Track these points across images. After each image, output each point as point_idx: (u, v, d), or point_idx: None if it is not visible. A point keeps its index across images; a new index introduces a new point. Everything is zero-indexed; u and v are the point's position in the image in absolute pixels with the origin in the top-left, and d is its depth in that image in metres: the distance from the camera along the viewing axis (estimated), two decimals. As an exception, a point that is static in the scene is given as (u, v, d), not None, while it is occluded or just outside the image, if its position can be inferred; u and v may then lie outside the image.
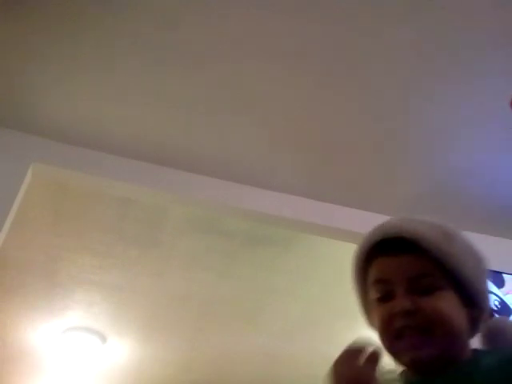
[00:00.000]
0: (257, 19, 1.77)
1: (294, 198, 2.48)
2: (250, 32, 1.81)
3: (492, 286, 2.38)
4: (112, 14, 1.77)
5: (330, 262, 2.78)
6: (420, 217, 0.84)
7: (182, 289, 3.09)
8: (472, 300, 0.78)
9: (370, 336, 0.81)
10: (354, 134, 2.21)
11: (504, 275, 2.45)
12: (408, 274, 0.76)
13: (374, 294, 0.80)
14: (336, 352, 0.78)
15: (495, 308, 2.29)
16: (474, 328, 0.80)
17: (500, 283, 2.41)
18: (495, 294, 2.35)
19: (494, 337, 0.82)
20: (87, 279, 2.98)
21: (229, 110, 2.12)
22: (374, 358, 0.72)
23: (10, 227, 2.08)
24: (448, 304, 0.75)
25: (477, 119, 2.11)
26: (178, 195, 2.35)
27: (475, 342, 0.82)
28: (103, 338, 3.49)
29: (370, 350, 0.72)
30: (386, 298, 0.77)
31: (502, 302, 2.34)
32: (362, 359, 0.71)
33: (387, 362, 0.82)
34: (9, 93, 2.05)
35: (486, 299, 0.81)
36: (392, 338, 0.75)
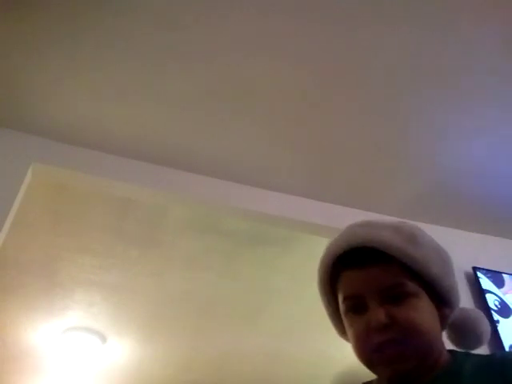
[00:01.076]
0: (257, 19, 1.77)
1: (294, 198, 2.48)
2: (250, 32, 1.81)
3: (492, 286, 2.38)
4: (112, 14, 1.77)
5: (329, 262, 2.77)
6: (381, 220, 0.84)
7: (182, 289, 3.09)
8: (443, 298, 0.78)
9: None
10: (355, 134, 2.21)
11: (504, 275, 2.45)
12: (378, 286, 0.75)
13: (345, 309, 0.79)
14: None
15: (495, 308, 2.30)
16: (444, 324, 0.80)
17: (500, 283, 2.41)
18: (495, 294, 2.35)
19: (458, 327, 0.82)
20: (87, 279, 2.98)
21: (229, 110, 2.12)
22: None
23: (9, 227, 2.07)
24: (422, 311, 0.74)
25: (477, 119, 2.11)
26: (178, 195, 2.35)
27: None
28: (103, 338, 3.49)
29: None
30: (358, 311, 0.76)
31: (502, 302, 2.34)
32: None
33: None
34: (9, 93, 2.04)
35: (456, 295, 0.81)
36: (370, 351, 0.74)
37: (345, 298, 0.79)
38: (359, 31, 1.80)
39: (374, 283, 0.75)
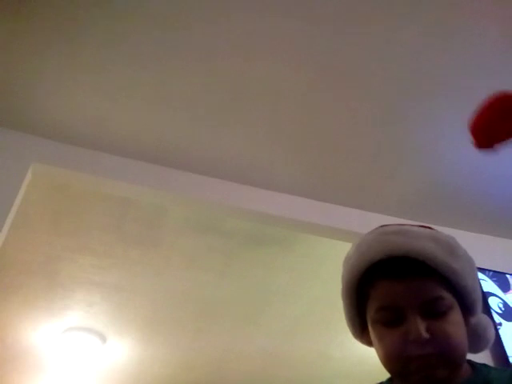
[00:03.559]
0: (257, 19, 1.77)
1: (294, 198, 2.48)
2: (249, 32, 1.81)
3: (496, 289, 2.37)
4: (112, 14, 1.76)
5: (330, 262, 2.78)
6: (415, 228, 0.82)
7: (181, 289, 3.09)
8: (470, 307, 0.79)
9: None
10: (354, 134, 2.21)
11: (508, 276, 2.45)
12: (420, 299, 0.74)
13: (378, 319, 0.77)
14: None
15: (499, 311, 2.29)
16: None
17: (506, 287, 2.40)
18: (498, 297, 2.35)
19: (468, 333, 0.82)
20: (87, 279, 2.98)
21: (229, 110, 2.12)
22: None
23: (9, 227, 2.07)
24: (457, 325, 0.75)
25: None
26: (178, 195, 2.35)
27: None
28: (103, 338, 3.49)
29: None
30: (393, 322, 0.75)
31: (506, 305, 2.33)
32: None
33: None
34: (9, 93, 2.04)
35: (481, 304, 0.81)
36: (405, 361, 0.73)
37: (380, 308, 0.77)
38: (359, 32, 1.80)
39: (416, 296, 0.74)
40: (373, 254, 0.78)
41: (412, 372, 0.72)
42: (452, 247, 0.78)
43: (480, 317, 0.83)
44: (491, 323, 0.84)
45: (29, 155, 2.17)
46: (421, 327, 0.71)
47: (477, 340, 0.82)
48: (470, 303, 0.78)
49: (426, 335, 0.71)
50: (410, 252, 0.75)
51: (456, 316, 0.75)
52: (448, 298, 0.75)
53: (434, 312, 0.74)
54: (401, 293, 0.74)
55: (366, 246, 0.80)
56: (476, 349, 0.83)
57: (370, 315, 0.79)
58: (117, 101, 2.08)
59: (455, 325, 0.74)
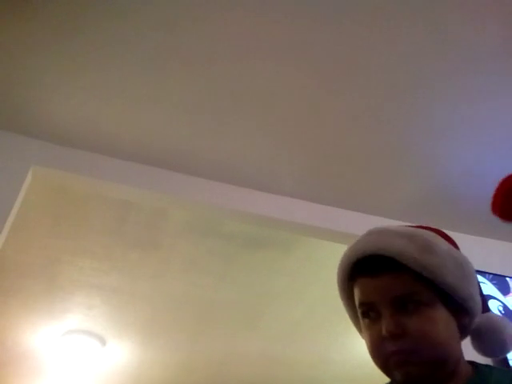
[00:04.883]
0: (259, 22, 1.77)
1: (294, 201, 2.48)
2: (250, 34, 1.81)
3: (496, 292, 2.37)
4: (112, 17, 1.76)
5: (330, 265, 2.76)
6: (399, 227, 0.84)
7: (181, 292, 3.08)
8: (461, 306, 0.78)
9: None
10: (355, 138, 2.20)
11: (508, 279, 2.44)
12: (391, 294, 0.75)
13: (361, 315, 0.80)
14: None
15: (499, 314, 2.29)
16: (465, 332, 0.80)
17: (505, 289, 2.39)
18: (498, 300, 2.34)
19: (484, 335, 0.81)
20: (87, 282, 2.98)
21: (230, 113, 2.12)
22: None
23: (9, 230, 2.07)
24: (435, 321, 0.74)
25: (478, 121, 2.10)
26: (178, 198, 2.34)
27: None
28: (103, 341, 3.49)
29: None
30: (373, 317, 0.77)
31: (506, 308, 2.33)
32: None
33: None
34: (9, 95, 2.04)
35: (475, 303, 0.80)
36: (384, 357, 0.75)
37: (359, 304, 0.80)
38: (359, 34, 1.80)
39: (386, 292, 0.76)
40: (353, 253, 0.81)
41: (391, 368, 0.74)
42: (428, 244, 0.79)
43: (486, 318, 0.83)
44: (505, 326, 0.82)
45: (29, 158, 2.16)
46: (390, 323, 0.73)
47: (483, 342, 0.81)
48: (458, 302, 0.77)
49: (396, 330, 0.72)
50: (380, 249, 0.77)
51: (434, 312, 0.75)
52: (424, 294, 0.75)
53: (408, 307, 0.74)
54: (373, 289, 0.77)
55: (350, 246, 0.84)
56: (487, 352, 0.82)
57: (358, 311, 0.82)
58: (117, 104, 2.08)
59: (432, 320, 0.74)
